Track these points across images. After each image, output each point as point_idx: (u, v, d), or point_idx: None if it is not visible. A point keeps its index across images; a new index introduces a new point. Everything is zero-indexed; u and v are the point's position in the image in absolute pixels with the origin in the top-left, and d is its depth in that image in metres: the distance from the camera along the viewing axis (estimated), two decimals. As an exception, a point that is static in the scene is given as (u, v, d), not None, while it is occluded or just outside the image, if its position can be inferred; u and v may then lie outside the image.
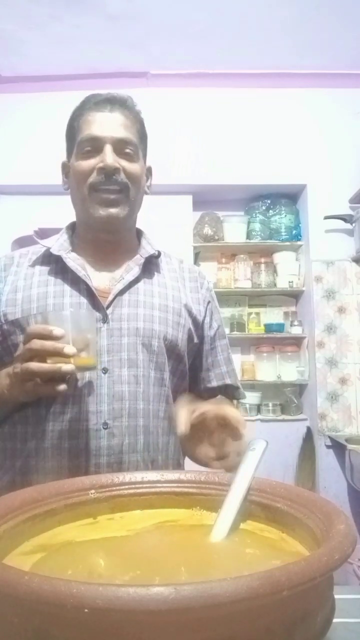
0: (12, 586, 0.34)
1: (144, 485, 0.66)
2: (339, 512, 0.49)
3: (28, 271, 1.00)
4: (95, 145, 0.95)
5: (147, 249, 1.04)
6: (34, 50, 2.60)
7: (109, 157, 0.93)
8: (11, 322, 0.95)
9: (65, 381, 0.80)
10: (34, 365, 0.77)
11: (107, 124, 0.95)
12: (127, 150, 0.96)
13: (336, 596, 0.45)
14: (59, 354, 0.77)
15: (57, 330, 0.77)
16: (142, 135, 1.02)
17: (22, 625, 0.36)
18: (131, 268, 1.00)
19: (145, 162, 1.04)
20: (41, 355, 0.78)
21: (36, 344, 0.77)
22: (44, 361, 0.78)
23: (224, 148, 2.85)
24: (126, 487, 0.66)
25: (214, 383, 1.08)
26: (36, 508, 0.58)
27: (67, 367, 0.76)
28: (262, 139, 2.85)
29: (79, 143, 0.96)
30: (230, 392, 1.09)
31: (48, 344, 0.77)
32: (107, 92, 0.99)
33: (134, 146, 0.97)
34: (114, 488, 0.65)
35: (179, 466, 1.01)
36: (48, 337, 0.77)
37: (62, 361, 0.77)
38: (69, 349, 0.76)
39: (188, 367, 1.05)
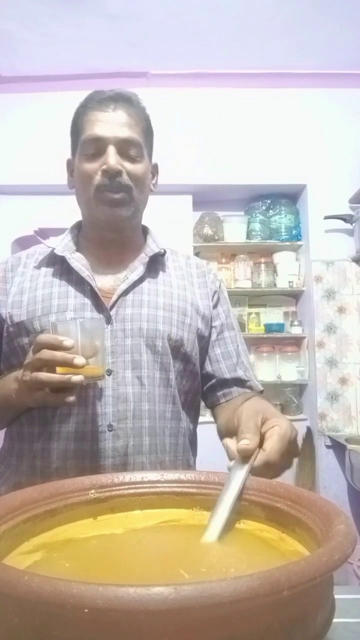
0: (12, 586, 0.34)
1: (144, 485, 0.66)
2: (339, 512, 0.49)
3: (34, 272, 0.99)
4: (98, 146, 0.93)
5: (152, 247, 1.03)
6: (34, 50, 2.59)
7: (111, 159, 0.92)
8: (17, 324, 0.94)
9: (74, 391, 0.79)
10: (44, 375, 0.77)
11: (110, 124, 0.93)
12: (131, 151, 0.94)
13: (336, 596, 0.45)
14: (69, 365, 0.76)
15: (67, 342, 0.76)
16: (148, 133, 1.00)
17: (22, 625, 0.36)
18: (136, 267, 0.99)
19: (150, 160, 1.02)
20: (50, 365, 0.78)
21: (46, 354, 0.77)
22: (53, 371, 0.78)
23: (224, 148, 2.85)
24: (126, 487, 0.66)
25: (227, 375, 1.03)
26: (36, 508, 0.58)
27: (76, 378, 0.76)
28: (262, 139, 2.85)
29: (82, 143, 0.95)
30: (245, 385, 1.04)
31: (58, 355, 0.76)
32: (110, 90, 0.97)
33: (137, 146, 0.95)
34: (114, 488, 0.65)
35: (189, 467, 1.00)
36: (58, 347, 0.77)
37: (72, 371, 0.76)
38: (79, 360, 0.76)
39: (202, 362, 1.03)
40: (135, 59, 2.69)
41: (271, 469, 0.62)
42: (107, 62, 2.70)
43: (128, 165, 0.94)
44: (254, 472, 0.61)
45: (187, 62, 2.73)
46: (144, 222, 1.09)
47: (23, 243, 2.81)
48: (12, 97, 2.86)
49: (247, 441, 0.62)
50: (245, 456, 0.62)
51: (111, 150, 0.92)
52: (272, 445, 0.63)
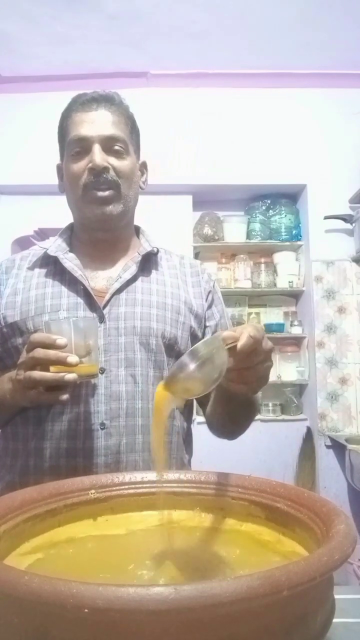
0: (12, 586, 0.34)
1: (144, 485, 0.66)
2: (339, 512, 0.49)
3: (27, 273, 1.00)
4: (83, 146, 0.95)
5: (144, 246, 1.03)
6: (34, 50, 2.59)
7: (97, 156, 0.93)
8: (10, 324, 0.95)
9: (67, 389, 0.80)
10: (37, 374, 0.77)
11: (94, 123, 0.95)
12: (116, 148, 0.96)
13: (336, 596, 0.45)
14: (62, 363, 0.77)
15: (60, 340, 0.77)
16: (132, 130, 1.01)
17: (22, 625, 0.36)
18: (129, 266, 1.00)
19: (138, 157, 1.03)
20: (44, 364, 0.78)
21: (39, 352, 0.77)
22: (47, 370, 0.78)
23: (224, 148, 2.85)
24: (126, 487, 0.66)
25: None
26: (36, 508, 0.58)
27: (70, 376, 0.76)
28: (262, 139, 2.85)
29: (68, 145, 0.96)
30: None
31: (51, 354, 0.77)
32: (93, 91, 0.99)
33: (122, 142, 0.96)
34: (114, 488, 0.65)
35: (183, 465, 1.00)
36: (51, 346, 0.77)
37: (65, 370, 0.77)
38: (72, 358, 0.76)
39: None
40: (135, 59, 2.69)
41: (255, 344, 0.65)
42: (107, 62, 2.70)
43: (114, 162, 0.95)
44: (243, 358, 0.66)
45: (187, 62, 2.73)
46: (143, 221, 1.09)
47: (23, 243, 2.81)
48: (12, 97, 2.85)
49: (228, 332, 0.67)
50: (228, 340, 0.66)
51: (96, 149, 0.94)
52: (248, 330, 0.67)
